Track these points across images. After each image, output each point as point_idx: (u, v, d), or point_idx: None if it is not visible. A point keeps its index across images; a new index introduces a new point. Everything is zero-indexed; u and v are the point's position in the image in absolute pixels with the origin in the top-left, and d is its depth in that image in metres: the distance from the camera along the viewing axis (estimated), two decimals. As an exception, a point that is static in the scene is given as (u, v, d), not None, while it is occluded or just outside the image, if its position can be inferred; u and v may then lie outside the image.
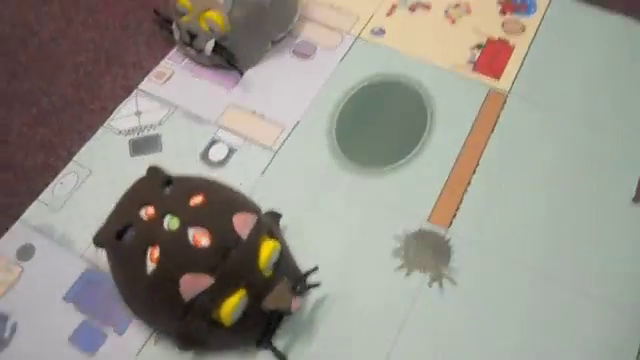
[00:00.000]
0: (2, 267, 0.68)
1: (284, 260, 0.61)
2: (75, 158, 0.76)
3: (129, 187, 0.63)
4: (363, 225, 0.70)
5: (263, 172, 0.74)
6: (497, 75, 0.81)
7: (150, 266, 0.56)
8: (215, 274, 0.55)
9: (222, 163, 0.75)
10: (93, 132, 0.78)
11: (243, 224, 0.57)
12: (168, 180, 0.61)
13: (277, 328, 0.61)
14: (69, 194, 0.73)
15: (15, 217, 0.72)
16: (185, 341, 0.59)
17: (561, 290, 0.66)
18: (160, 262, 0.55)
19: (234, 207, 0.59)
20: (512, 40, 0.85)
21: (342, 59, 0.84)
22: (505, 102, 0.79)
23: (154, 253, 0.56)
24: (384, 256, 0.68)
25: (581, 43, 0.85)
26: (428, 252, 0.68)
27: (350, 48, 0.85)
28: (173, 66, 0.84)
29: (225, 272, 0.55)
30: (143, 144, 0.77)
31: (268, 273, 0.59)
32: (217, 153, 0.76)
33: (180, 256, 0.55)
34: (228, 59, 0.80)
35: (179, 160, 0.75)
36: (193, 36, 0.79)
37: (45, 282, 0.67)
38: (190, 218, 0.57)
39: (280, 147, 0.76)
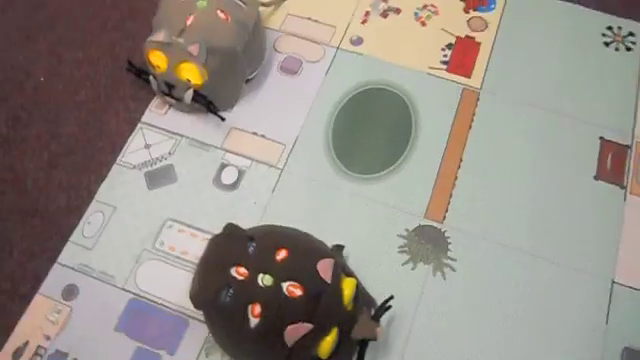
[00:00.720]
0: (51, 309, 0.75)
1: (358, 290, 0.69)
2: (96, 197, 0.82)
3: (209, 246, 0.70)
4: (369, 228, 0.79)
5: (273, 190, 0.82)
6: (468, 73, 0.90)
7: (253, 321, 0.64)
8: (313, 320, 0.63)
9: (234, 186, 0.82)
10: (108, 169, 0.83)
11: (326, 269, 0.65)
12: (250, 237, 0.68)
13: (365, 354, 0.69)
14: (99, 232, 0.79)
15: (52, 260, 0.78)
16: None
17: (544, 263, 0.77)
18: (263, 317, 0.63)
19: (315, 255, 0.67)
20: (478, 37, 0.93)
21: (327, 71, 0.91)
22: (478, 99, 0.88)
23: (255, 309, 0.63)
24: (392, 253, 0.78)
25: (539, 33, 0.94)
26: (428, 245, 0.78)
27: (333, 60, 0.91)
28: (170, 94, 0.89)
29: (321, 316, 0.64)
30: (159, 176, 0.83)
31: (350, 307, 0.67)
32: (228, 177, 0.83)
33: (281, 310, 0.63)
34: (208, 106, 0.84)
35: (195, 188, 0.82)
36: (171, 86, 0.83)
37: (95, 317, 0.75)
38: (282, 274, 0.65)
39: (285, 164, 0.84)
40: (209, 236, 0.78)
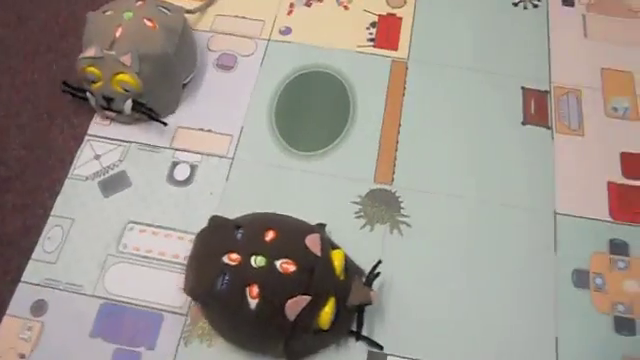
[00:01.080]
0: (22, 327, 0.75)
1: (347, 261, 0.72)
2: (53, 213, 0.82)
3: (196, 241, 0.72)
4: (324, 200, 0.83)
5: (227, 178, 0.85)
6: (395, 47, 0.96)
7: (252, 302, 0.65)
8: (310, 292, 0.65)
9: (188, 181, 0.84)
10: (61, 185, 0.84)
11: (314, 244, 0.68)
12: (236, 225, 0.70)
13: (363, 319, 0.72)
14: (60, 246, 0.80)
15: (16, 281, 0.77)
16: (296, 355, 0.70)
17: (490, 206, 0.83)
18: (262, 297, 0.65)
19: (302, 232, 0.69)
20: (398, 12, 0.99)
21: (262, 63, 0.94)
22: (407, 68, 0.94)
23: (253, 290, 0.65)
24: (349, 220, 0.81)
25: (453, 2, 1.00)
26: (382, 207, 0.83)
27: (266, 51, 0.95)
28: (112, 105, 0.91)
29: (317, 288, 0.66)
30: (112, 183, 0.84)
31: (343, 277, 0.70)
32: (181, 173, 0.85)
33: (278, 287, 0.65)
34: (148, 113, 0.85)
35: (150, 189, 0.84)
36: (109, 100, 0.84)
37: (68, 327, 0.75)
38: (273, 253, 0.66)
39: (234, 154, 0.87)
40: (171, 232, 0.81)
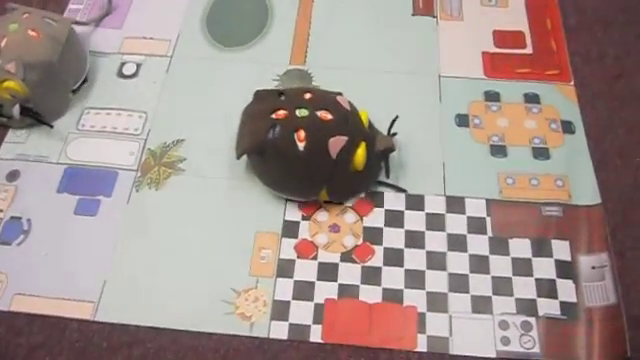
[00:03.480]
0: (-1, 190, 0.89)
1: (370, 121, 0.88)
2: (21, 106, 0.98)
3: (244, 112, 0.86)
4: (250, 78, 0.99)
5: (167, 70, 1.01)
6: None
7: (300, 145, 0.79)
8: (346, 134, 0.80)
9: (135, 74, 1.01)
10: (27, 86, 1.00)
11: (344, 102, 0.84)
12: (279, 92, 0.86)
13: (389, 164, 0.86)
14: (28, 130, 0.95)
15: (-8, 158, 0.92)
16: (337, 194, 0.84)
17: (384, 73, 1.00)
18: (308, 138, 0.78)
19: (333, 94, 0.85)
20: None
21: (194, -13, 1.13)
22: (317, -20, 1.13)
23: (300, 135, 0.79)
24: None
25: None
26: (297, 80, 1.00)
27: (197, -22, 1.14)
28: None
29: (351, 131, 0.80)
30: (70, 81, 1.00)
31: (368, 130, 0.85)
32: (128, 69, 1.02)
33: (321, 129, 0.80)
34: (36, 117, 0.94)
35: (103, 82, 1.00)
36: None
37: (38, 187, 0.89)
38: (313, 105, 0.82)
39: (173, 52, 1.04)
40: (121, 112, 0.97)
